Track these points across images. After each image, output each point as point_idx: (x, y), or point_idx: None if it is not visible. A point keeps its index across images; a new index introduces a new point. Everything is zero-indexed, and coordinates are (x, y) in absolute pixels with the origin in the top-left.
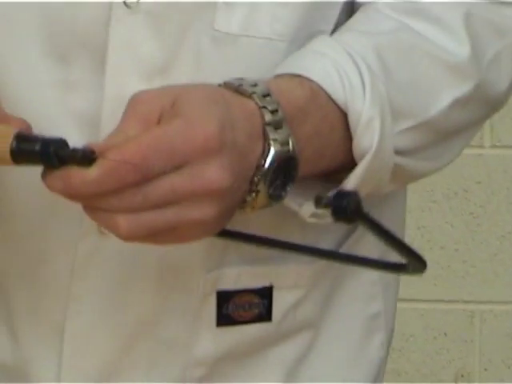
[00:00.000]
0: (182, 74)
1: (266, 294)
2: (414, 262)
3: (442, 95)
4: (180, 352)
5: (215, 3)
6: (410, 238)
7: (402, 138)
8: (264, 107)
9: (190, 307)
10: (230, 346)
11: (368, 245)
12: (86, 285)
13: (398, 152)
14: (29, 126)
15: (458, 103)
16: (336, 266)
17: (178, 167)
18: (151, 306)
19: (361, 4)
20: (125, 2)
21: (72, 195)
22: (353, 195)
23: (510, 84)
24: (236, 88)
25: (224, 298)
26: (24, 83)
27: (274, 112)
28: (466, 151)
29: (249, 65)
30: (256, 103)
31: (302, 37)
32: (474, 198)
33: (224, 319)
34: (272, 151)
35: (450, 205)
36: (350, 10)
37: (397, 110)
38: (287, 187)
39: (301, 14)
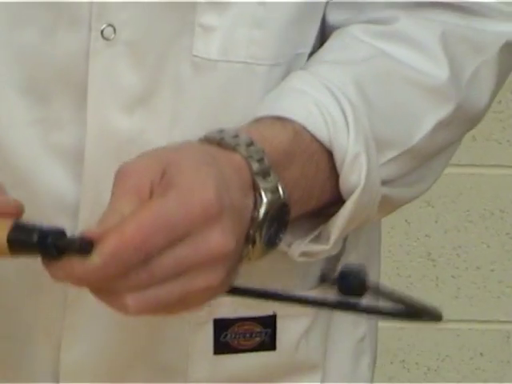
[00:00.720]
0: (163, 102)
1: (269, 322)
2: (431, 315)
3: (425, 120)
4: (176, 377)
5: (193, 29)
6: (446, 258)
7: (387, 168)
8: (250, 157)
9: (185, 335)
10: (229, 373)
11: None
12: (79, 317)
13: (383, 182)
14: (22, 208)
15: (440, 126)
16: None
17: (179, 239)
18: (146, 336)
19: (333, 27)
20: (102, 35)
21: (76, 283)
22: (357, 273)
23: (489, 99)
24: (218, 142)
25: (222, 327)
26: (4, 123)
27: (260, 161)
28: (502, 171)
29: (228, 90)
30: (241, 155)
31: (282, 61)
32: (510, 218)
33: (222, 347)
34: (264, 201)
35: (486, 225)
36: (321, 32)
37: (381, 141)
38: (281, 233)
39: (278, 36)
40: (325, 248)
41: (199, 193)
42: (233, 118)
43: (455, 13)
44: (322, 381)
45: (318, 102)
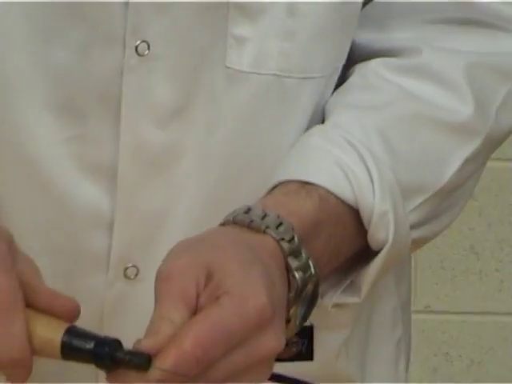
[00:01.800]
0: (197, 114)
1: (305, 333)
2: None
3: (452, 159)
4: None
5: (225, 40)
6: (490, 251)
7: (416, 213)
8: (281, 239)
9: None
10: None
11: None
12: (116, 330)
13: (413, 227)
14: (78, 307)
15: (468, 161)
16: (369, 301)
17: (235, 346)
18: None
19: (358, 46)
20: (137, 51)
21: None
22: None
23: None
24: (248, 225)
25: None
26: (40, 141)
27: (290, 241)
28: None
29: (260, 101)
30: (273, 238)
31: (313, 75)
32: None
33: None
34: (298, 280)
35: None
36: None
37: (408, 190)
38: (313, 307)
39: (307, 49)
40: (357, 300)
41: (253, 300)
42: (264, 129)
43: (480, 33)
44: None
45: (342, 163)
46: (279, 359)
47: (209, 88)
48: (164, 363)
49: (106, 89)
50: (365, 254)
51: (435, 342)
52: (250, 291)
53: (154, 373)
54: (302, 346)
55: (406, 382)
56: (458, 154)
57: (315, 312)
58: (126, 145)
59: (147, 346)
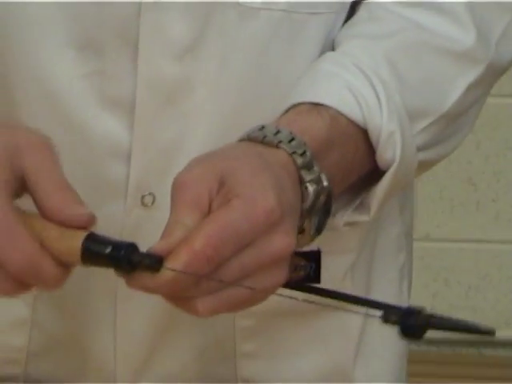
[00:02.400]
0: (211, 49)
1: (313, 257)
2: (486, 332)
3: (456, 85)
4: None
5: None
6: (487, 183)
7: (422, 136)
8: (294, 152)
9: None
10: (277, 302)
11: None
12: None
13: (419, 149)
14: (94, 220)
15: (471, 87)
16: (375, 226)
17: (245, 246)
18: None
19: None
20: None
21: (150, 293)
22: (420, 315)
23: None
24: (261, 140)
25: None
26: (63, 76)
27: (303, 154)
28: None
29: (270, 37)
30: (286, 151)
31: (321, 10)
32: None
33: None
34: (311, 192)
35: None
36: None
37: (414, 113)
38: (327, 218)
39: None
40: (366, 219)
41: (261, 201)
42: (274, 63)
43: None
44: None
45: (351, 85)
46: (288, 283)
47: (221, 24)
48: (175, 263)
49: (124, 26)
50: (374, 176)
51: (434, 269)
52: (260, 194)
53: (166, 273)
54: (309, 269)
55: (407, 303)
56: (462, 81)
57: (323, 236)
58: (143, 79)
59: (160, 247)
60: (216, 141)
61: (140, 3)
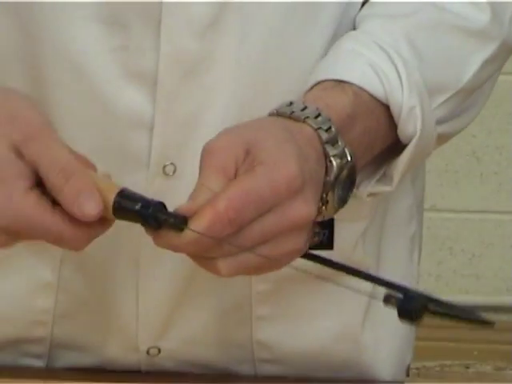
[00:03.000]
0: (230, 26)
1: (327, 224)
2: (484, 322)
3: (471, 62)
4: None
5: None
6: (490, 156)
7: (440, 110)
8: (319, 128)
9: None
10: (288, 269)
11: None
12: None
13: (438, 122)
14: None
15: (486, 64)
16: (385, 196)
17: (266, 211)
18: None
19: None
20: None
21: (174, 251)
22: (418, 299)
23: None
24: (289, 115)
25: None
26: (89, 51)
27: (328, 130)
28: None
29: (285, 16)
30: (311, 127)
31: None
32: None
33: None
34: (334, 166)
35: None
36: None
37: (433, 88)
38: (350, 191)
39: None
40: (389, 189)
41: (284, 169)
42: (290, 41)
43: None
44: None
45: (373, 62)
46: (304, 254)
47: (240, 3)
48: (199, 223)
49: (148, 3)
50: (395, 149)
51: (440, 238)
52: (282, 162)
53: (189, 233)
54: (323, 236)
55: (418, 272)
56: (477, 57)
57: None
58: (165, 54)
59: (185, 208)
60: (235, 113)
61: None
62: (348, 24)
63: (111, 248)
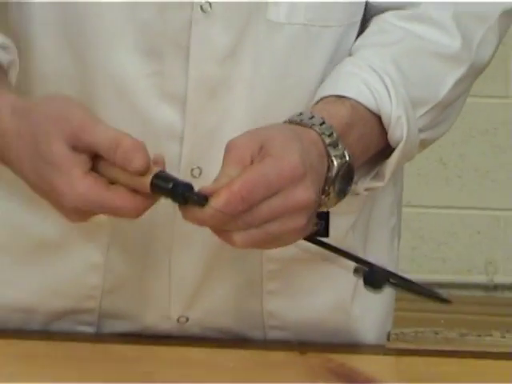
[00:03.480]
0: (246, 56)
1: (323, 216)
2: (441, 299)
3: (446, 81)
4: (255, 252)
5: (267, 1)
6: (454, 163)
7: (422, 119)
8: (323, 133)
9: None
10: (296, 251)
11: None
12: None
13: (420, 130)
14: (163, 161)
15: (458, 82)
16: (372, 196)
17: (273, 194)
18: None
19: (372, 5)
20: (202, 9)
21: (198, 224)
22: (380, 272)
23: (493, 54)
24: (299, 123)
25: None
26: (130, 75)
27: (330, 135)
28: (492, 101)
29: (293, 46)
30: (316, 132)
31: (332, 24)
32: (501, 133)
33: None
34: (335, 165)
35: (484, 139)
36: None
37: (416, 102)
38: (349, 186)
39: (327, 5)
40: (381, 184)
41: (288, 160)
42: (295, 66)
43: None
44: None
45: (367, 82)
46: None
47: (254, 35)
48: (217, 200)
49: (178, 36)
50: (386, 152)
51: (414, 228)
52: (287, 154)
53: (209, 209)
54: (320, 226)
55: (397, 257)
56: (451, 77)
57: None
58: (193, 78)
59: (207, 188)
60: (249, 126)
61: (191, 18)
62: (343, 51)
63: (149, 234)
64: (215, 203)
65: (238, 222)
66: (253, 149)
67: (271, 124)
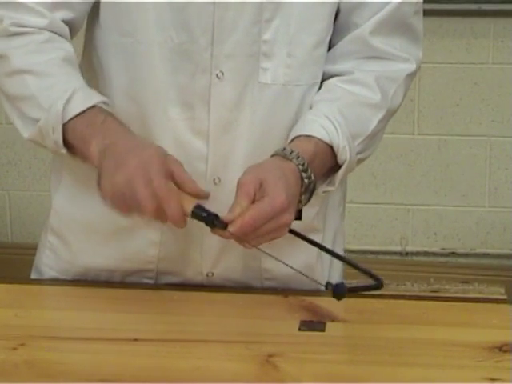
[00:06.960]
0: (246, 106)
1: (299, 211)
2: (375, 278)
3: (372, 121)
4: None
5: (258, 70)
6: (384, 176)
7: (358, 146)
8: (299, 164)
9: None
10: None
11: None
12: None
13: (357, 153)
14: (206, 194)
15: (379, 122)
16: (328, 195)
17: (269, 220)
18: None
19: (324, 75)
20: (217, 75)
21: (224, 238)
22: (343, 287)
23: (401, 104)
24: (283, 156)
25: None
26: (173, 120)
27: (303, 164)
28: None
29: (276, 101)
30: (295, 164)
31: (302, 83)
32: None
33: None
34: (306, 183)
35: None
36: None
37: (354, 135)
38: (312, 194)
39: (298, 72)
40: (333, 188)
41: (278, 198)
42: (277, 115)
43: (380, 62)
44: (322, 238)
45: (323, 125)
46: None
47: (251, 92)
48: (234, 227)
49: (203, 94)
50: (336, 167)
51: (354, 216)
52: (277, 194)
53: (227, 232)
54: (297, 215)
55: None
56: (375, 118)
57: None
58: (213, 120)
59: (227, 217)
60: (251, 152)
61: (211, 82)
62: (307, 103)
63: (188, 221)
64: (232, 228)
65: (247, 238)
66: (255, 186)
67: (265, 160)
